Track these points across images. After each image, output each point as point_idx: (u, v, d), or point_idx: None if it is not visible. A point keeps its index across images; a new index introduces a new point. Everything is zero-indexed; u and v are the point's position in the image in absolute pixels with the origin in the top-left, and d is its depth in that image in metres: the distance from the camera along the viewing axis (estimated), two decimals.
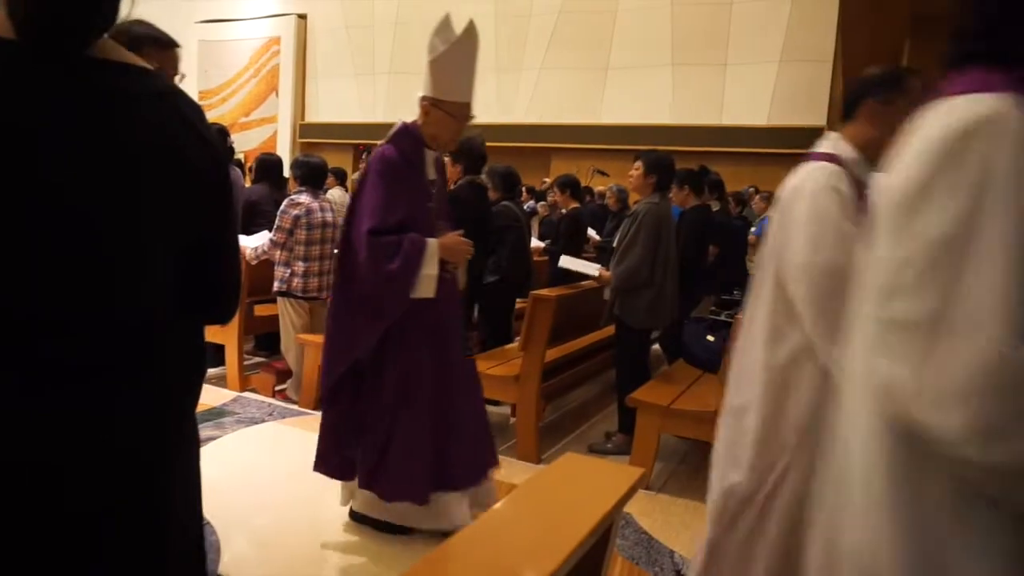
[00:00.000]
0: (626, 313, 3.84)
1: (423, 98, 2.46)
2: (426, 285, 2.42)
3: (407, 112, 2.58)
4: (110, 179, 0.87)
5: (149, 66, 0.94)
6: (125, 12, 0.98)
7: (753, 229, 7.07)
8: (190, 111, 0.96)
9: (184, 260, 0.98)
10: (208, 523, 2.67)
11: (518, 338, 4.00)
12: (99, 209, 0.87)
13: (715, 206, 5.87)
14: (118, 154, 0.88)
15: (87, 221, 0.86)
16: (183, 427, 1.06)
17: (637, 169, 3.87)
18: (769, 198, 7.41)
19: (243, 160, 8.20)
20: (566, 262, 4.44)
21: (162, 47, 1.94)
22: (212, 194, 0.99)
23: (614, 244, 4.05)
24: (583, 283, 4.38)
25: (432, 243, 2.42)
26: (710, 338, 4.04)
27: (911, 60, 6.04)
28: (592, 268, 4.34)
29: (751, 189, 8.31)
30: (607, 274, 3.95)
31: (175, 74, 1.97)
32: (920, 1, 5.62)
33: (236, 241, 1.10)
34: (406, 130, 2.51)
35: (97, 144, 0.86)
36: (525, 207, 7.65)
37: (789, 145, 10.32)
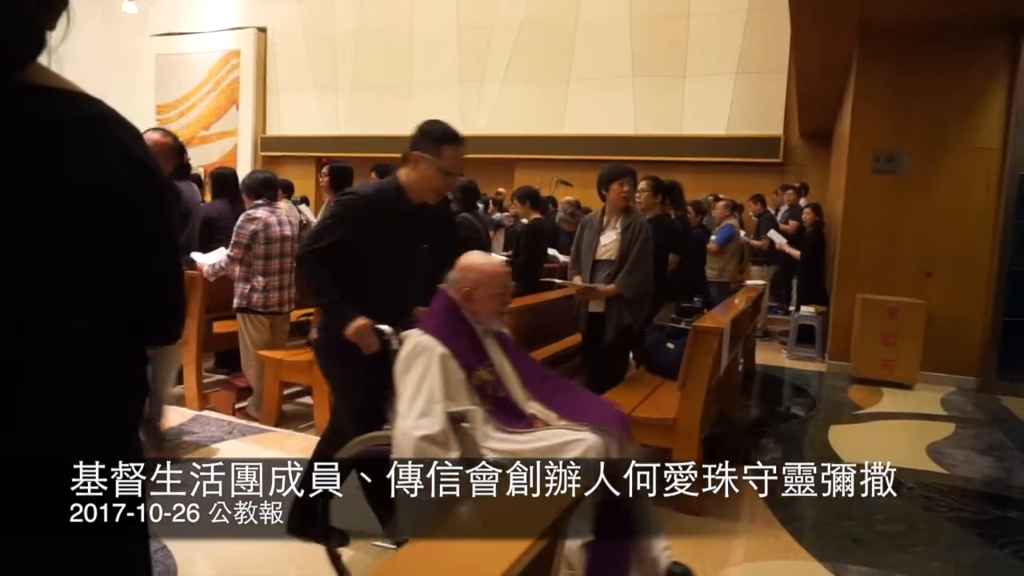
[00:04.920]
0: (637, 319, 3.92)
1: None
2: None
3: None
4: (39, 207, 0.87)
5: (80, 89, 0.93)
6: (60, 34, 0.97)
7: (714, 237, 7.17)
8: (124, 135, 0.95)
9: (123, 284, 0.97)
10: (164, 547, 2.62)
11: None
12: (29, 236, 0.86)
13: (671, 214, 5.92)
14: (47, 182, 0.87)
15: (17, 247, 0.85)
16: (127, 449, 1.05)
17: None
18: (730, 206, 7.52)
19: (201, 175, 8.09)
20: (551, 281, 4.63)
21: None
22: (149, 218, 0.98)
23: (611, 258, 3.98)
24: (548, 293, 4.39)
25: None
26: (670, 346, 4.09)
27: (860, 69, 6.24)
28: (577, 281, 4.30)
29: (711, 197, 8.43)
30: (608, 288, 3.83)
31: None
32: (867, 9, 5.81)
33: (176, 263, 1.09)
34: None
35: (25, 172, 0.85)
36: (493, 218, 7.69)
37: (748, 154, 10.56)
